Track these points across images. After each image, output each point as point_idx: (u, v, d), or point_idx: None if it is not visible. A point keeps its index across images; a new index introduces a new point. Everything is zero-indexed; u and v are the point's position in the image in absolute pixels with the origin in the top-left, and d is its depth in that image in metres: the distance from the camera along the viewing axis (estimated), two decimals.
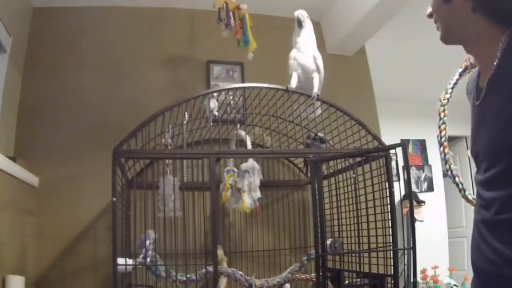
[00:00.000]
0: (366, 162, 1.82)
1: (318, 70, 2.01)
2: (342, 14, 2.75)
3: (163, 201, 1.89)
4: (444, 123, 1.34)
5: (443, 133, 1.35)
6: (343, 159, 1.95)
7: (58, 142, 2.33)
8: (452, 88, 1.26)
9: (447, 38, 0.98)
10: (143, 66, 2.57)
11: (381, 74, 3.09)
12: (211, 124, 2.02)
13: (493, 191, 0.87)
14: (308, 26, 2.04)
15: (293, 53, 2.02)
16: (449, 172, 1.32)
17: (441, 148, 1.35)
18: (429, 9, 1.00)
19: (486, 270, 0.89)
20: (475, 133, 0.96)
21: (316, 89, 1.99)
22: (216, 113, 2.04)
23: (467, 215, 4.84)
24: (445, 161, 1.33)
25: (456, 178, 1.31)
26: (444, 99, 1.28)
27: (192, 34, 2.67)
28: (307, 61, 2.00)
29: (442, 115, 1.34)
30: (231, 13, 2.06)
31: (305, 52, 2.01)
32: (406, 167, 1.81)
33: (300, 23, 2.01)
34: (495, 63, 0.86)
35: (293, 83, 1.98)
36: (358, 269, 1.82)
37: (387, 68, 3.47)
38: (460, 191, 1.30)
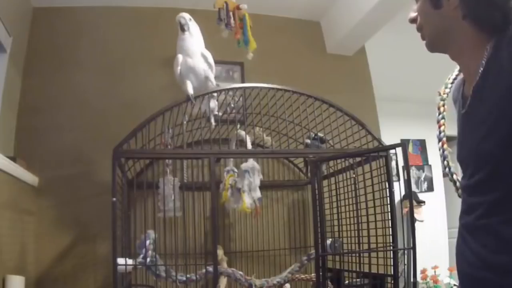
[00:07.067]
0: (366, 162, 1.82)
1: (211, 68, 2.00)
2: (342, 14, 2.75)
3: (163, 201, 1.89)
4: (443, 118, 1.33)
5: (442, 128, 1.33)
6: (343, 159, 1.95)
7: (58, 142, 2.33)
8: (452, 83, 1.25)
9: (434, 45, 0.97)
10: (143, 66, 2.57)
11: (381, 74, 3.09)
12: (213, 124, 2.02)
13: (475, 197, 0.89)
14: (192, 28, 1.97)
15: (180, 59, 1.94)
16: (447, 169, 1.31)
17: (440, 144, 1.33)
18: (413, 14, 0.99)
19: (467, 273, 0.91)
20: (461, 140, 0.97)
21: (214, 83, 2.00)
22: (217, 113, 2.04)
23: None
24: (443, 157, 1.31)
25: (454, 176, 1.30)
26: (444, 93, 1.27)
27: None
28: (197, 63, 1.95)
29: (441, 109, 1.32)
30: (231, 13, 2.05)
31: (193, 54, 1.94)
32: (406, 167, 1.81)
33: (182, 27, 1.93)
34: (480, 71, 0.86)
35: (190, 89, 1.88)
36: (358, 269, 1.82)
37: (387, 68, 3.47)
38: (456, 189, 1.29)
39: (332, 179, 1.95)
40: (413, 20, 0.99)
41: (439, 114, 1.32)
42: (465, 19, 0.88)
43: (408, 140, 4.82)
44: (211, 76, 2.00)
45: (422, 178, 4.88)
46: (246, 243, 2.40)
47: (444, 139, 1.33)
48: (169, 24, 2.67)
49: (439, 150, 1.33)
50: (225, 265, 2.10)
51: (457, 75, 1.16)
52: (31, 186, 2.16)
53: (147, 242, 1.74)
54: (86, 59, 2.48)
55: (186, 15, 1.95)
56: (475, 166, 0.89)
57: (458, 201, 1.01)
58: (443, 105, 1.31)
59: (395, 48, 3.37)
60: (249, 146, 2.06)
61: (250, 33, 2.10)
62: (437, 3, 0.91)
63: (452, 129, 1.44)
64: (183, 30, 1.94)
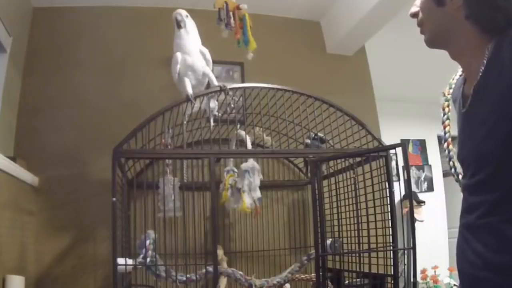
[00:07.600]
0: (366, 162, 1.82)
1: (208, 65, 1.98)
2: (342, 14, 2.75)
3: (163, 201, 1.89)
4: (448, 118, 1.33)
5: (447, 128, 1.33)
6: (343, 159, 1.95)
7: (58, 142, 2.33)
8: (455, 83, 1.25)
9: (433, 42, 0.97)
10: (143, 66, 2.57)
11: (381, 74, 3.09)
12: (213, 124, 2.01)
13: (476, 196, 0.89)
14: (189, 25, 1.95)
15: (179, 57, 1.90)
16: (453, 170, 1.31)
17: (445, 144, 1.33)
18: (415, 9, 0.98)
19: (468, 273, 0.90)
20: (461, 140, 0.96)
21: (216, 82, 1.97)
22: (217, 113, 2.04)
23: None
24: (449, 158, 1.31)
25: (460, 176, 1.30)
26: (448, 94, 1.27)
27: None
28: (196, 61, 1.92)
29: (446, 110, 1.32)
30: (231, 13, 2.05)
31: (191, 52, 1.92)
32: (406, 167, 1.81)
33: (179, 24, 1.90)
34: (480, 71, 0.86)
35: (190, 89, 1.86)
36: (358, 269, 1.82)
37: (387, 68, 3.47)
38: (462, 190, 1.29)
39: (332, 179, 1.95)
40: (414, 15, 0.98)
41: (444, 115, 1.32)
42: (467, 19, 0.88)
43: (408, 140, 4.82)
44: (211, 75, 1.99)
45: (422, 178, 4.88)
46: (246, 243, 2.40)
47: (450, 139, 1.33)
48: (169, 24, 2.66)
49: (445, 150, 1.32)
50: (225, 265, 2.10)
51: (460, 75, 1.16)
52: (31, 186, 2.16)
53: (147, 242, 1.74)
54: (86, 59, 2.48)
55: (183, 12, 1.94)
56: (476, 166, 0.89)
57: (458, 201, 1.00)
58: (448, 106, 1.31)
59: (395, 48, 3.37)
60: (249, 146, 2.06)
61: (250, 33, 2.10)
62: (440, 1, 0.90)
63: (454, 130, 1.44)
64: (179, 27, 1.92)
